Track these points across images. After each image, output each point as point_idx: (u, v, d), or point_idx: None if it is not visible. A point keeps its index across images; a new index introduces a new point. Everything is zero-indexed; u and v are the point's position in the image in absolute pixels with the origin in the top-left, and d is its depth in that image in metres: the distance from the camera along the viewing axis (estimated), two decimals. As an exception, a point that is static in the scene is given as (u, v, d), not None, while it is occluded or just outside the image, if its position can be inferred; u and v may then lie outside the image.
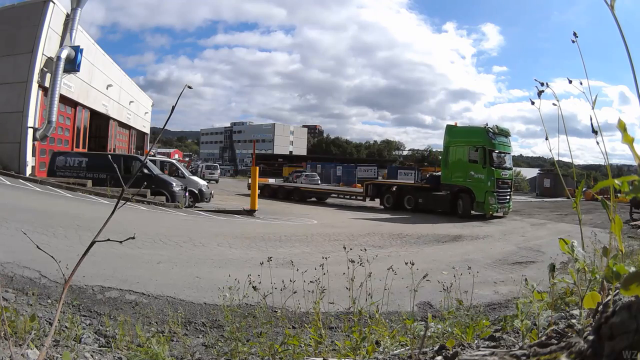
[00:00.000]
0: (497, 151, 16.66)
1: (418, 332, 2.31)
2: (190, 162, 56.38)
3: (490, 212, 16.28)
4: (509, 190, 17.31)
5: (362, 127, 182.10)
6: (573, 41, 1.54)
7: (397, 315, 3.65)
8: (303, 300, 3.00)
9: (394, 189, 19.52)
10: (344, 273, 2.94)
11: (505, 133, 17.53)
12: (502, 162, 17.06)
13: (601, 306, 0.90)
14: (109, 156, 16.58)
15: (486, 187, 16.38)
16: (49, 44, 16.57)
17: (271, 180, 28.26)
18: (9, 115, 15.93)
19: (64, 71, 16.91)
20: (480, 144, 16.54)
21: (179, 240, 7.87)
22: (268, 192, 23.29)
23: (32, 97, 16.08)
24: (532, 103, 1.88)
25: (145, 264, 5.93)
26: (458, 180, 17.06)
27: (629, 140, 0.83)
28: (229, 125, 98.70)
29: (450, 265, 5.99)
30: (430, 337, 2.40)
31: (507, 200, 17.16)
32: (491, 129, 16.88)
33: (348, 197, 21.63)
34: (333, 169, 41.99)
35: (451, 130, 17.97)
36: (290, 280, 2.97)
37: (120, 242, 1.38)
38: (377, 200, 20.05)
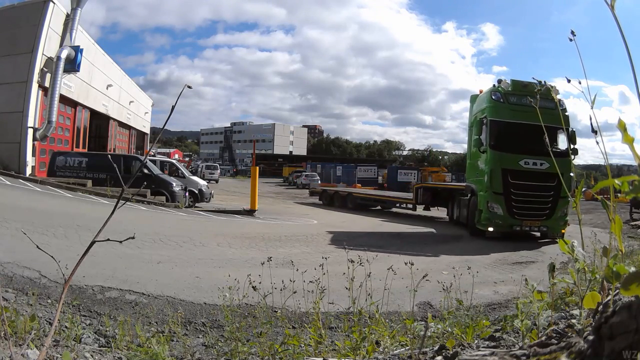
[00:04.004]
0: (507, 121, 10.26)
1: (418, 332, 2.31)
2: (190, 162, 56.37)
3: (488, 228, 10.35)
4: (550, 192, 10.15)
5: (362, 127, 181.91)
6: (571, 39, 1.53)
7: (397, 315, 3.65)
8: (303, 300, 3.00)
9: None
10: (344, 273, 2.95)
11: (530, 91, 9.79)
12: (524, 141, 10.01)
13: (601, 306, 0.90)
14: (109, 156, 16.57)
15: (483, 186, 10.55)
16: (49, 44, 16.55)
17: (340, 186, 24.83)
18: (9, 115, 15.91)
19: (64, 71, 16.88)
20: (484, 114, 10.72)
21: (179, 240, 7.87)
22: (326, 199, 19.65)
23: (32, 97, 16.06)
24: (531, 102, 1.88)
25: (145, 264, 5.93)
26: (471, 176, 11.77)
27: (629, 140, 0.83)
28: (229, 125, 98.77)
29: (450, 265, 5.99)
30: (430, 337, 2.40)
31: (545, 214, 10.27)
32: (501, 87, 10.62)
33: (398, 204, 17.00)
34: (333, 169, 41.93)
35: (473, 103, 12.18)
36: (290, 280, 2.97)
37: (120, 242, 1.37)
38: (430, 210, 15.41)
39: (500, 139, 10.42)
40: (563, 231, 10.31)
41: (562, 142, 10.58)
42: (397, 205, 16.92)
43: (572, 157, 9.99)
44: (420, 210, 15.93)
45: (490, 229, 10.38)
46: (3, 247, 5.23)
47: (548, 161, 9.92)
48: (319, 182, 36.47)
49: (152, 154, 24.70)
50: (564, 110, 9.89)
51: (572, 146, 10.25)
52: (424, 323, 2.55)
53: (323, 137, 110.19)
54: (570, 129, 10.21)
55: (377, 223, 13.46)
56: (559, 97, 9.81)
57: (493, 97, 10.54)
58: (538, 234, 10.94)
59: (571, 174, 8.42)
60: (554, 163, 9.50)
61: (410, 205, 15.67)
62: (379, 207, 18.00)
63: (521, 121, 9.97)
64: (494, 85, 10.90)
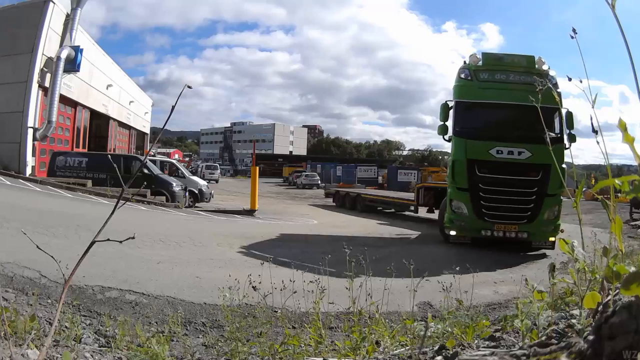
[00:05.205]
0: (475, 101, 8.60)
1: (418, 332, 2.31)
2: (190, 162, 56.37)
3: (450, 232, 8.75)
4: (532, 188, 8.23)
5: (362, 127, 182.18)
6: (572, 37, 1.53)
7: (397, 315, 3.65)
8: (303, 300, 3.00)
9: None
10: (344, 273, 2.95)
11: (506, 65, 8.60)
12: (497, 125, 8.67)
13: (601, 306, 0.90)
14: (109, 156, 16.57)
15: (449, 181, 8.94)
16: (49, 44, 16.55)
17: (357, 186, 23.24)
18: (9, 115, 15.90)
19: (64, 71, 16.89)
20: (452, 97, 9.05)
21: (179, 240, 7.87)
22: (338, 201, 18.82)
23: (32, 97, 16.06)
24: (532, 102, 1.88)
25: (145, 264, 5.93)
26: None
27: (629, 140, 0.83)
28: (229, 125, 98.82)
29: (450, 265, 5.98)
30: (430, 337, 2.40)
31: (526, 216, 8.30)
32: (470, 65, 8.80)
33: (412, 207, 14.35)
34: (333, 169, 41.92)
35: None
36: (290, 280, 2.97)
37: (120, 242, 1.37)
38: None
39: (466, 123, 8.66)
40: (552, 239, 8.27)
41: (553, 127, 8.35)
42: (411, 208, 14.45)
43: (567, 144, 8.22)
44: (424, 213, 14.19)
45: (453, 232, 8.66)
46: (3, 247, 5.23)
47: (530, 149, 8.11)
48: (319, 182, 36.42)
49: (152, 154, 24.69)
50: (555, 85, 7.80)
51: (567, 131, 8.36)
52: (424, 323, 2.55)
53: (323, 137, 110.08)
54: (566, 110, 8.22)
55: (372, 225, 13.01)
56: (545, 67, 8.19)
57: (461, 75, 8.78)
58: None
59: (563, 165, 6.98)
60: (544, 151, 7.32)
61: (412, 207, 14.06)
62: (392, 210, 16.21)
63: (493, 101, 8.44)
64: (464, 62, 9.03)
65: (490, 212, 8.35)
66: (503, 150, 8.31)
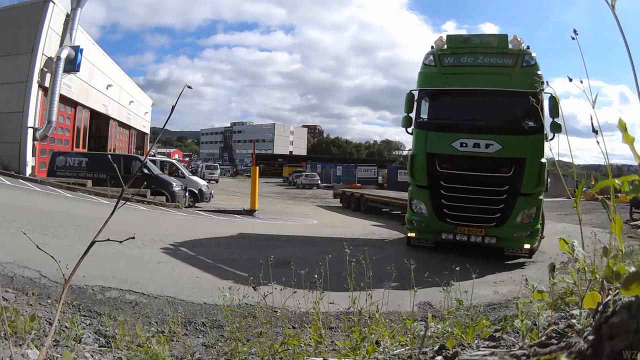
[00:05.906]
0: (437, 89, 7.83)
1: (418, 332, 2.31)
2: (190, 162, 56.39)
3: (409, 234, 8.10)
4: (502, 187, 7.27)
5: (362, 127, 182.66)
6: (573, 38, 1.54)
7: (397, 315, 3.64)
8: (303, 300, 3.00)
9: None
10: (344, 274, 2.95)
11: (474, 47, 7.63)
12: (462, 114, 7.80)
13: (601, 306, 0.90)
14: (109, 156, 16.56)
15: (409, 179, 8.13)
16: (49, 44, 16.55)
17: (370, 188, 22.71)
18: (9, 115, 15.90)
19: (64, 71, 16.88)
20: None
21: (179, 240, 7.87)
22: (345, 202, 18.67)
23: (32, 97, 16.06)
24: (532, 101, 1.88)
25: (145, 264, 5.93)
26: None
27: (629, 140, 0.83)
28: (229, 125, 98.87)
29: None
30: (430, 337, 2.40)
31: (494, 218, 7.35)
32: (435, 50, 7.85)
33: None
34: (333, 169, 41.94)
35: None
36: (290, 280, 2.97)
37: (120, 242, 1.37)
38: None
39: (428, 114, 7.88)
40: (527, 246, 7.31)
41: (532, 116, 6.96)
42: None
43: (550, 135, 6.92)
44: None
45: (412, 234, 7.94)
46: (3, 247, 5.23)
47: (500, 141, 7.19)
48: (319, 182, 36.41)
49: (152, 154, 24.70)
50: (534, 67, 6.84)
51: (551, 119, 6.96)
52: (424, 323, 2.55)
53: (323, 137, 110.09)
54: (549, 95, 6.09)
55: (367, 226, 12.70)
56: (522, 47, 7.11)
57: (425, 61, 7.86)
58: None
59: (543, 160, 6.23)
60: (517, 143, 6.90)
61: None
62: (399, 212, 14.73)
63: (455, 87, 7.61)
64: (431, 47, 7.98)
65: (453, 213, 7.47)
66: (467, 143, 7.39)
